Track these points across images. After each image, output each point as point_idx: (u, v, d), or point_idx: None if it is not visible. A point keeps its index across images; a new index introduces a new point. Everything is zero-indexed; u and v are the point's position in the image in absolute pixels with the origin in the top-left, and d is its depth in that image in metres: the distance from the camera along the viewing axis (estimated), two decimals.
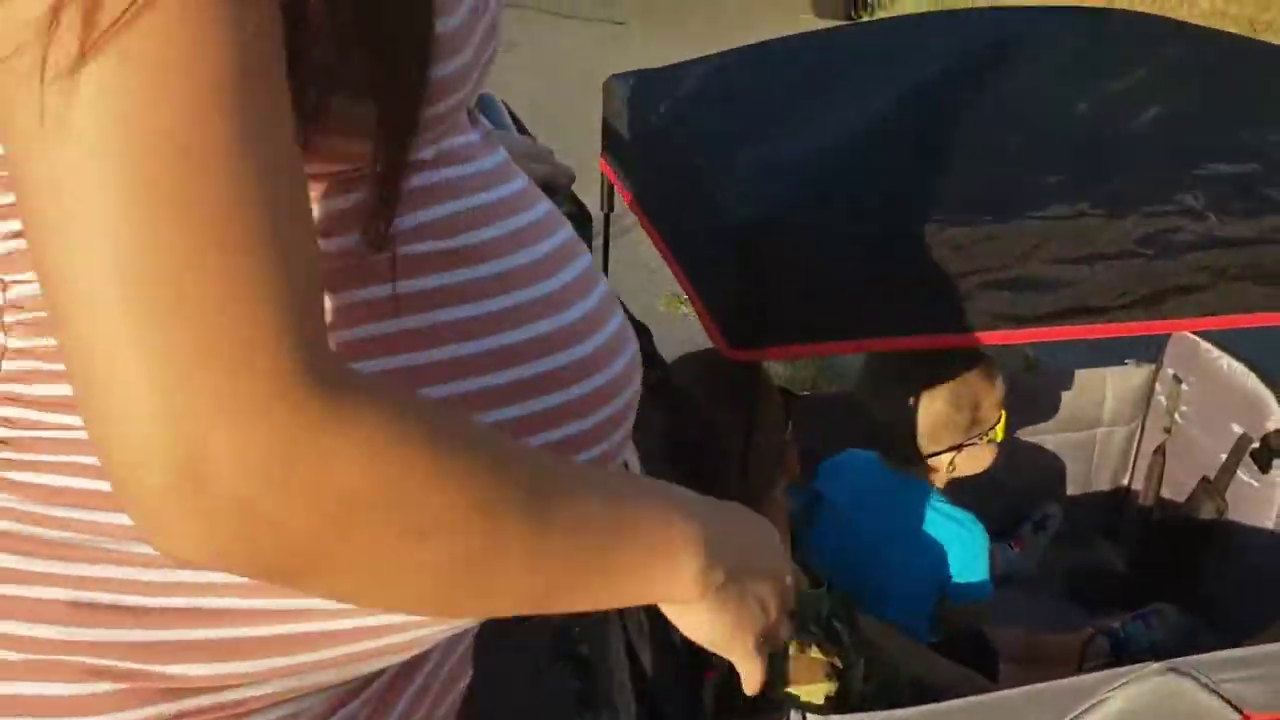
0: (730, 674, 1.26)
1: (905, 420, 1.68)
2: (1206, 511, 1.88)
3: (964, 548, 1.67)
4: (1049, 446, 2.08)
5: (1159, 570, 1.98)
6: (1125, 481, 2.10)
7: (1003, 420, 1.68)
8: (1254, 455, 1.78)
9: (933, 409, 1.63)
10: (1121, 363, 2.08)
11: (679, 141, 1.35)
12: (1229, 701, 1.35)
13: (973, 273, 1.10)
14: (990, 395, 1.65)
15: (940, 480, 1.71)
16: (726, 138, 1.31)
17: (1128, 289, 1.12)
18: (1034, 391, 2.05)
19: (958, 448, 1.66)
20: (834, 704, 1.32)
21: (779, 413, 1.40)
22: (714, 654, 0.75)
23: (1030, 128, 1.23)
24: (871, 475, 1.73)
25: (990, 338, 1.13)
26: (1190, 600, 1.88)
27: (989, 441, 1.67)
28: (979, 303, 1.11)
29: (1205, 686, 1.33)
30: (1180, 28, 1.51)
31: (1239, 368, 1.82)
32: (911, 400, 1.65)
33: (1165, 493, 2.02)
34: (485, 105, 0.90)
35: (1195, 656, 1.33)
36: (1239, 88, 1.32)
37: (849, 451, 1.78)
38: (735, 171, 1.20)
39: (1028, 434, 2.06)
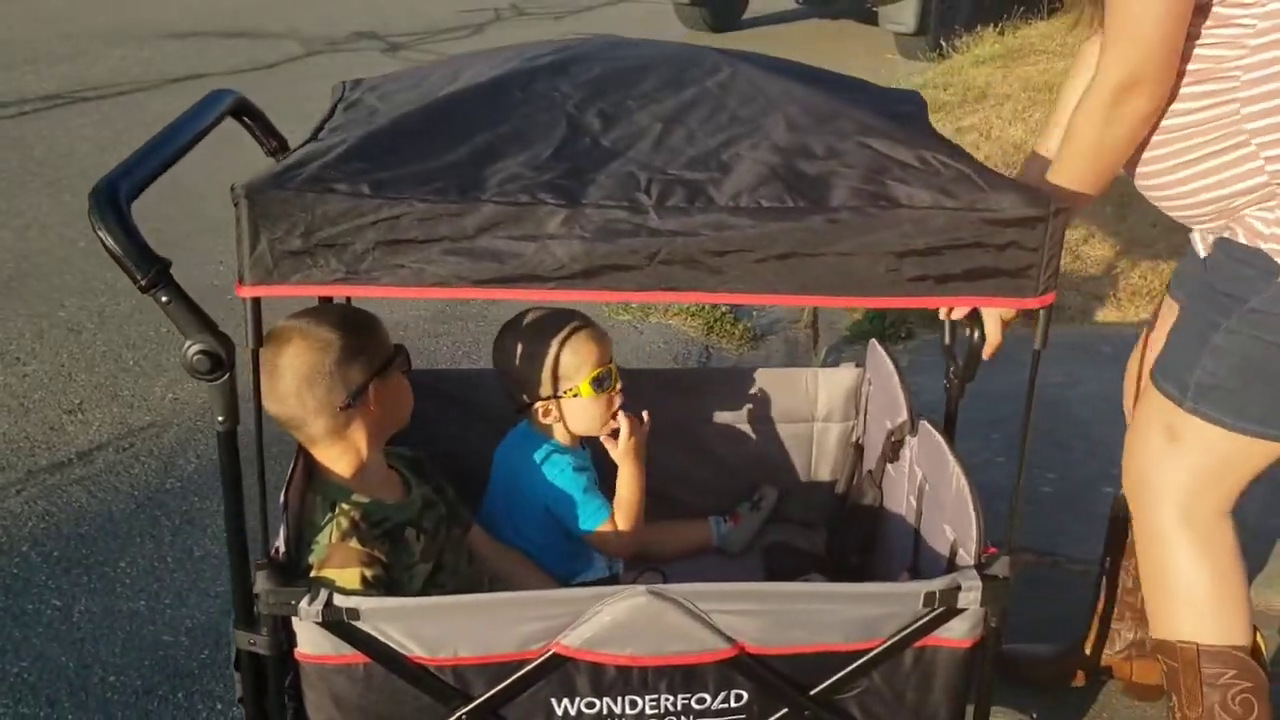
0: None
1: (504, 372, 1.97)
2: (869, 499, 2.09)
3: (566, 483, 1.95)
4: (772, 436, 2.31)
5: (847, 550, 2.19)
6: (844, 473, 2.31)
7: (588, 380, 1.96)
8: (889, 447, 1.99)
9: (517, 364, 1.92)
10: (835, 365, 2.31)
11: (336, 131, 1.65)
12: (718, 630, 1.58)
13: (440, 240, 1.38)
14: (570, 357, 1.91)
15: (559, 432, 1.99)
16: (352, 124, 1.62)
17: (565, 264, 1.38)
18: (757, 386, 2.30)
19: (549, 399, 1.94)
20: (373, 588, 1.61)
21: None
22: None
23: (553, 134, 1.50)
24: (518, 425, 2.03)
25: (455, 293, 1.40)
26: (849, 576, 2.10)
27: (573, 395, 1.93)
28: (443, 265, 1.39)
29: (690, 613, 1.57)
30: (763, 60, 1.75)
31: (890, 370, 2.03)
32: (507, 355, 1.94)
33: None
34: None
35: (684, 585, 1.58)
36: (759, 110, 1.55)
37: None
38: (319, 149, 1.49)
39: (752, 423, 2.30)
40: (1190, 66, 1.61)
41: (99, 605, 2.53)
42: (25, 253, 4.51)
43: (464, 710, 1.60)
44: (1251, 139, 1.61)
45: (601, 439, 2.05)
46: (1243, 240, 1.67)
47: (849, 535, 2.15)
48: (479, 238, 1.38)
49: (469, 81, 1.63)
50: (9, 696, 2.25)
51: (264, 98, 1.98)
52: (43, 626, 2.45)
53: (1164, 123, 1.66)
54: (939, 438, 1.79)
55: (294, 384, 1.63)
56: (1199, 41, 1.60)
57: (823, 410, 2.28)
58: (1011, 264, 1.42)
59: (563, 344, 1.93)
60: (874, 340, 2.16)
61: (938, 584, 1.59)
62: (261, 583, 1.53)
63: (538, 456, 1.98)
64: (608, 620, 1.56)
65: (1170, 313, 1.91)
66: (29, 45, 8.35)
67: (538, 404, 1.98)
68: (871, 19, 8.49)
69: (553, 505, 1.98)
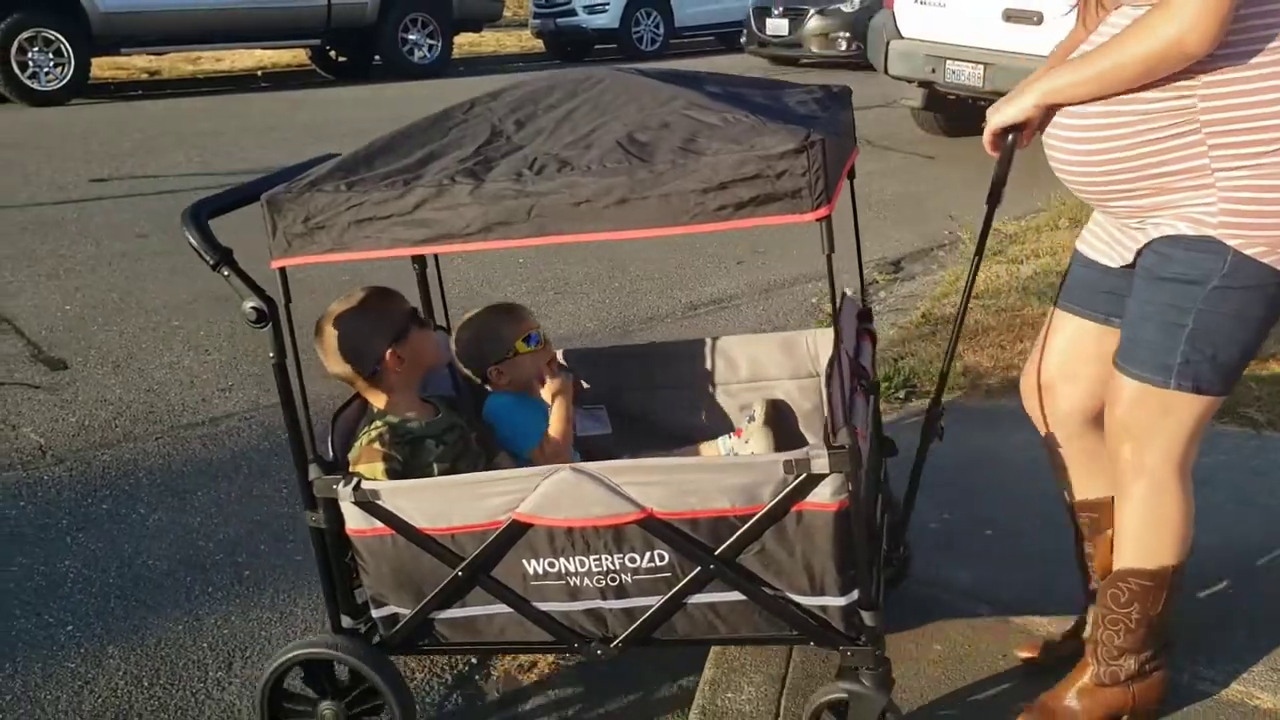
0: None
1: (467, 359, 2.64)
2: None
3: (510, 418, 2.56)
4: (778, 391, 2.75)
5: None
6: None
7: (521, 339, 2.62)
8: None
9: (465, 341, 2.59)
10: None
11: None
12: (628, 498, 2.06)
13: (389, 216, 2.00)
14: (504, 330, 2.60)
15: (505, 384, 2.63)
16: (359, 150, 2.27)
17: (470, 224, 1.96)
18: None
19: (497, 364, 2.57)
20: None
21: None
22: None
23: (478, 139, 2.08)
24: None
25: (403, 252, 2.01)
26: None
27: (514, 355, 2.62)
28: (394, 233, 2.00)
29: (604, 484, 2.06)
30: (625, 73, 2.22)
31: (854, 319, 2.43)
32: (464, 346, 2.62)
33: None
34: None
35: (597, 463, 2.08)
36: (624, 102, 2.06)
37: None
38: (323, 169, 2.15)
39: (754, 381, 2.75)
40: None
41: (168, 517, 3.50)
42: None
43: (460, 568, 2.17)
44: (1203, 129, 1.96)
45: (540, 389, 2.62)
46: (1190, 233, 2.01)
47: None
48: (415, 212, 1.99)
49: (433, 115, 2.25)
50: (78, 561, 3.27)
51: None
52: (127, 526, 3.46)
53: (1130, 107, 2.00)
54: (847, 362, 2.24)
55: (334, 358, 2.35)
56: None
57: (823, 364, 2.69)
58: (788, 188, 1.85)
59: (498, 322, 2.64)
60: (845, 291, 2.56)
61: (794, 455, 2.00)
62: (313, 472, 2.18)
63: (497, 405, 2.65)
64: (545, 491, 2.09)
65: (1062, 323, 2.35)
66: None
67: (491, 370, 2.65)
68: None
69: (504, 438, 2.60)
